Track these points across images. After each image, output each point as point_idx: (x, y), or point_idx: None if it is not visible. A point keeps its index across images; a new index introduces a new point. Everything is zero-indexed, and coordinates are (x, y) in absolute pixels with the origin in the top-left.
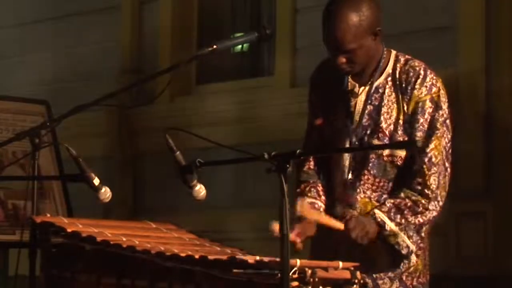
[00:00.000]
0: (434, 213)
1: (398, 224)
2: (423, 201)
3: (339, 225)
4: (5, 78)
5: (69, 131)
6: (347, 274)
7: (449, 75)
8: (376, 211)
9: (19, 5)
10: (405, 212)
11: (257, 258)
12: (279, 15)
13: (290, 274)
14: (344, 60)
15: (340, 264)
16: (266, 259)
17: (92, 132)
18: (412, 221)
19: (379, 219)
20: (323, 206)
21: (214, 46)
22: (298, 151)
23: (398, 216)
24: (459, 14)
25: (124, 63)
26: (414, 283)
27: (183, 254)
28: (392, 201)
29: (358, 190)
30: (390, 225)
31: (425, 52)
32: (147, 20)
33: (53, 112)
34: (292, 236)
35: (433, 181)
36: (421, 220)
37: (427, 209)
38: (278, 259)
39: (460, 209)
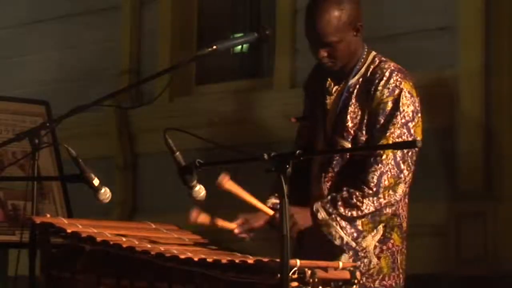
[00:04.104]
0: (371, 209)
1: (329, 214)
2: (357, 193)
3: (268, 211)
4: (5, 78)
5: (69, 132)
6: (346, 274)
7: (449, 75)
8: (316, 202)
9: (19, 5)
10: (339, 203)
11: (257, 258)
12: (279, 16)
13: (290, 274)
14: (325, 54)
15: (340, 264)
16: (265, 259)
17: (92, 132)
18: (343, 212)
19: (314, 208)
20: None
21: (214, 47)
22: (297, 151)
23: (331, 207)
24: (459, 14)
25: (124, 63)
26: (376, 285)
27: (182, 255)
28: (333, 194)
29: (323, 186)
30: (322, 214)
31: (425, 52)
32: (147, 20)
33: (52, 113)
34: (233, 227)
35: (371, 178)
36: (355, 214)
37: (362, 202)
38: (277, 260)
39: (460, 209)
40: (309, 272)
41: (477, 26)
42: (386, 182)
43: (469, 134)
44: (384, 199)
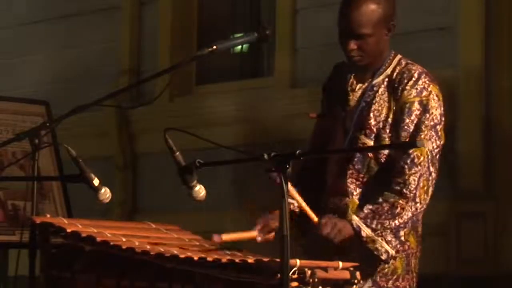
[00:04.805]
0: (410, 214)
1: (374, 230)
2: (400, 201)
3: (314, 217)
4: (5, 78)
5: (69, 132)
6: (346, 274)
7: (449, 75)
8: (353, 217)
9: (19, 5)
10: (383, 217)
11: (257, 258)
12: (279, 16)
13: (290, 274)
14: (355, 46)
15: (340, 264)
16: (265, 259)
17: (92, 133)
18: (388, 226)
19: (355, 225)
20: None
21: (214, 47)
22: (298, 151)
23: (374, 222)
24: (459, 14)
25: (124, 63)
26: (389, 285)
27: (182, 255)
28: (370, 207)
29: (345, 183)
30: (366, 231)
31: (425, 52)
32: (147, 20)
33: (52, 113)
34: (254, 234)
35: (412, 181)
36: (397, 223)
37: (403, 209)
38: (277, 259)
39: (460, 209)
40: (309, 272)
41: (477, 26)
42: (422, 184)
43: (469, 134)
44: (420, 203)
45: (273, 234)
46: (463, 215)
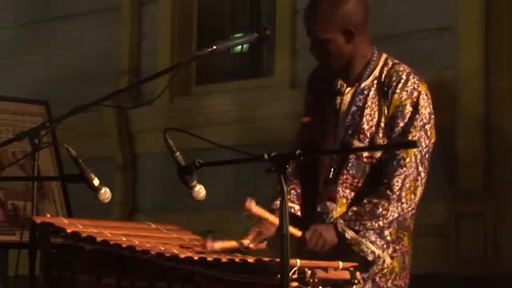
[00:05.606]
0: (395, 215)
1: (357, 232)
2: (383, 203)
3: (297, 233)
4: (5, 78)
5: (69, 132)
6: (346, 275)
7: (449, 75)
8: (339, 220)
9: (19, 5)
10: (365, 217)
11: (257, 258)
12: (279, 16)
13: (290, 274)
14: (317, 51)
15: (340, 264)
16: (265, 259)
17: (92, 133)
18: (370, 226)
19: (340, 229)
20: (299, 211)
21: (214, 47)
22: (298, 151)
23: (357, 223)
24: (459, 15)
25: (124, 63)
26: (389, 284)
27: (182, 255)
28: (354, 209)
29: (338, 189)
30: (350, 233)
31: (425, 52)
32: (147, 20)
33: (52, 113)
34: (247, 242)
35: (396, 182)
36: (381, 224)
37: (387, 210)
38: (277, 260)
39: (460, 209)
40: (309, 272)
41: (477, 26)
42: (407, 185)
43: (469, 134)
44: (406, 203)
45: (265, 243)
46: (463, 215)
